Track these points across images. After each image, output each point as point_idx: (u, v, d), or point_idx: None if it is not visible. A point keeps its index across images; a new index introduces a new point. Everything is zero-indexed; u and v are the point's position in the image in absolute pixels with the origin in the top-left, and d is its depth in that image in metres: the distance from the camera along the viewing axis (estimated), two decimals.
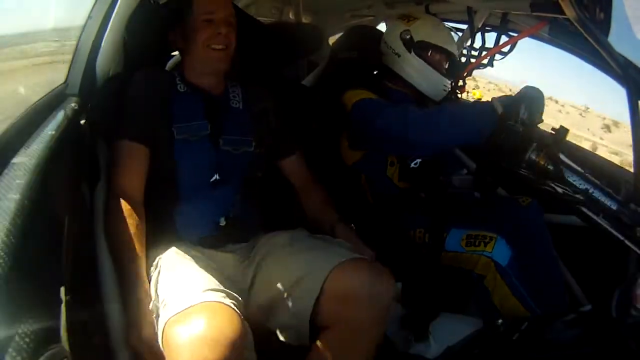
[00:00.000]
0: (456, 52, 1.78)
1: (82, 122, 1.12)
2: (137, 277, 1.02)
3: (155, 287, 1.04)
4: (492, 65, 1.99)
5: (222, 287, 1.01)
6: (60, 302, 0.67)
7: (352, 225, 1.37)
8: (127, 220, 1.10)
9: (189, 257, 1.12)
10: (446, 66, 1.77)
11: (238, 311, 0.94)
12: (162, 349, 0.93)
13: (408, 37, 1.73)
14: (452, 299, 1.62)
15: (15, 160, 0.73)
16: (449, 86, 1.77)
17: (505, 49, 1.87)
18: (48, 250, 0.70)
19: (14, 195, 0.64)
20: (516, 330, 1.18)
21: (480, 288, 1.46)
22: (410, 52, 1.72)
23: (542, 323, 1.19)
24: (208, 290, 0.97)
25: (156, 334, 0.96)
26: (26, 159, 0.75)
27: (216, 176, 1.24)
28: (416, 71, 1.73)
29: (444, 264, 1.48)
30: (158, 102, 1.23)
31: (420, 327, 1.33)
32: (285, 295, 1.10)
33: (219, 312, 0.91)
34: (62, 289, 0.70)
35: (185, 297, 0.94)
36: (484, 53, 1.98)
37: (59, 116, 0.99)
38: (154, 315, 0.98)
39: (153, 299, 1.02)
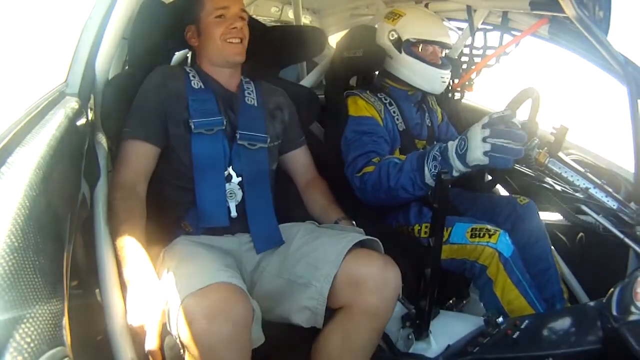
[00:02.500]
0: (449, 40, 1.75)
1: (82, 121, 1.12)
2: (143, 263, 1.04)
3: (165, 274, 1.07)
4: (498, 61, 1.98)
5: (229, 269, 1.07)
6: (61, 301, 0.67)
7: (354, 222, 1.39)
8: (130, 212, 1.13)
9: (197, 244, 1.19)
10: (442, 54, 1.75)
11: (245, 290, 1.00)
12: (170, 331, 0.97)
13: (396, 37, 1.73)
14: (453, 293, 1.63)
15: (15, 159, 0.73)
16: (448, 77, 1.75)
17: (509, 49, 1.87)
18: (49, 250, 0.70)
19: (14, 194, 0.64)
20: (517, 329, 1.18)
21: (483, 279, 1.47)
22: (401, 53, 1.72)
23: (543, 321, 1.20)
24: (218, 271, 1.03)
25: (163, 318, 0.98)
26: (26, 159, 0.75)
27: (230, 169, 1.28)
28: (410, 70, 1.72)
29: (448, 256, 1.50)
30: (174, 99, 1.26)
31: (420, 326, 1.33)
32: (302, 279, 1.15)
33: (230, 291, 0.96)
34: (63, 289, 0.70)
35: (197, 278, 0.99)
36: (487, 52, 1.97)
37: (59, 116, 0.99)
38: (164, 301, 1.00)
39: (162, 286, 1.04)
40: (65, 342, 0.62)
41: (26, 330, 0.54)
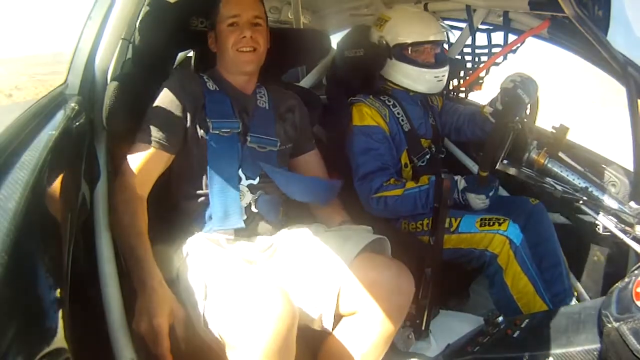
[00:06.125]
0: (440, 37, 1.73)
1: (82, 122, 1.12)
2: (152, 266, 1.05)
3: (196, 272, 1.09)
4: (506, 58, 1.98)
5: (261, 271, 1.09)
6: (61, 301, 0.67)
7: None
8: (138, 214, 1.14)
9: (217, 245, 1.20)
10: (437, 51, 1.73)
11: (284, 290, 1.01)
12: (206, 331, 0.99)
13: (384, 43, 1.71)
14: (453, 293, 1.64)
15: (15, 159, 0.73)
16: (444, 74, 1.73)
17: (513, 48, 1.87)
18: (48, 250, 0.70)
19: (14, 194, 0.64)
20: (517, 328, 1.18)
21: (494, 267, 1.48)
22: (391, 59, 1.71)
23: (543, 321, 1.20)
24: (255, 271, 1.05)
25: (170, 320, 1.00)
26: (26, 159, 0.75)
27: (240, 171, 1.27)
28: (403, 75, 1.71)
29: (454, 245, 1.51)
30: (191, 100, 1.26)
31: (420, 325, 1.33)
32: (312, 279, 1.14)
33: (276, 290, 0.97)
34: (63, 288, 0.70)
35: (240, 278, 1.01)
36: (493, 51, 1.97)
37: (59, 116, 0.99)
38: (200, 298, 1.03)
39: (194, 283, 1.06)
40: (65, 342, 0.62)
41: (26, 330, 0.54)
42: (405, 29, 1.70)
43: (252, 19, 1.30)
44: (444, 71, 1.72)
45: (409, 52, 1.69)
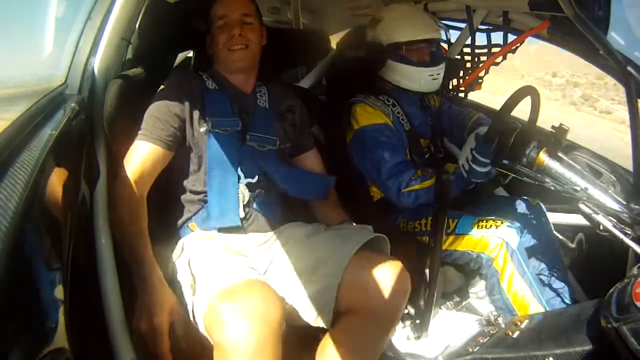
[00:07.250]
0: (435, 35, 1.72)
1: (82, 122, 1.12)
2: (152, 264, 1.06)
3: (188, 268, 1.10)
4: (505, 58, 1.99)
5: (252, 268, 1.09)
6: (61, 300, 0.67)
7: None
8: (138, 213, 1.14)
9: (214, 241, 1.21)
10: (432, 50, 1.72)
11: (274, 287, 1.02)
12: (197, 328, 0.99)
13: (378, 43, 1.71)
14: (452, 293, 1.64)
15: (15, 159, 0.73)
16: (440, 72, 1.72)
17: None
18: (48, 250, 0.70)
19: (14, 194, 0.64)
20: (517, 329, 1.18)
21: (490, 270, 1.49)
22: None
23: (543, 321, 1.20)
24: (246, 268, 1.06)
25: (171, 318, 1.00)
26: (26, 159, 0.74)
27: (239, 170, 1.28)
28: (399, 75, 1.70)
29: (450, 247, 1.51)
30: (190, 99, 1.26)
31: (420, 325, 1.33)
32: (311, 276, 1.15)
33: (261, 288, 0.98)
34: (63, 288, 0.70)
35: (227, 274, 1.01)
36: (493, 51, 1.97)
37: (59, 116, 0.99)
38: (189, 294, 1.05)
39: (185, 279, 1.08)
40: (66, 342, 0.62)
41: (27, 330, 0.54)
42: (398, 28, 1.69)
43: (241, 17, 1.31)
44: (440, 69, 1.72)
45: (403, 51, 1.69)
